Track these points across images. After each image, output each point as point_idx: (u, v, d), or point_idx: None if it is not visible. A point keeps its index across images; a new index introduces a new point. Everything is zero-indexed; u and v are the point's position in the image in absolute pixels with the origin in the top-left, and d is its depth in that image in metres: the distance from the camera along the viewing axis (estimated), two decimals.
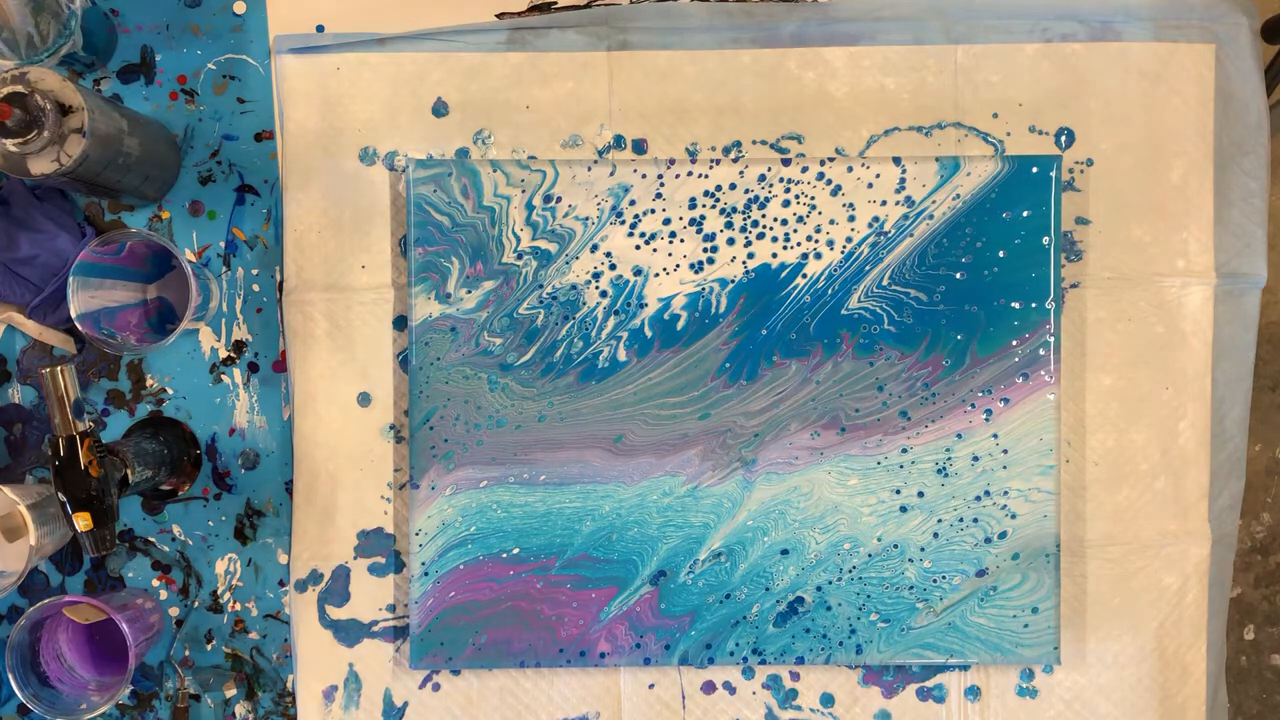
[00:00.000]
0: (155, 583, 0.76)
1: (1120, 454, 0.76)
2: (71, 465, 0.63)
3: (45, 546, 0.70)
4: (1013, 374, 0.74)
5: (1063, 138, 0.76)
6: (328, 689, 0.75)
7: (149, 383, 0.76)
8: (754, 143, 0.76)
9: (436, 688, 0.76)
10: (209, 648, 0.77)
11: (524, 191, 0.73)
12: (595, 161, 0.74)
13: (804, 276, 0.74)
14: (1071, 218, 0.76)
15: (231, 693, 0.77)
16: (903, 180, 0.74)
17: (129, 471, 0.67)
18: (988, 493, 0.74)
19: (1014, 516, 0.74)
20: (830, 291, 0.74)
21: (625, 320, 0.74)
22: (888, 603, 0.74)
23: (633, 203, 0.74)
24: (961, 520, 0.74)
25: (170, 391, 0.76)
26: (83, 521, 0.63)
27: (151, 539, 0.76)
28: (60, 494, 0.63)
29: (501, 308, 0.74)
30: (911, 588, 0.74)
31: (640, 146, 0.76)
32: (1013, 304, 0.74)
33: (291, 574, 0.75)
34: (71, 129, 0.64)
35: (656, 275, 0.74)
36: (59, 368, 0.63)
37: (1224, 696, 0.78)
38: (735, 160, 0.74)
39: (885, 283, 0.74)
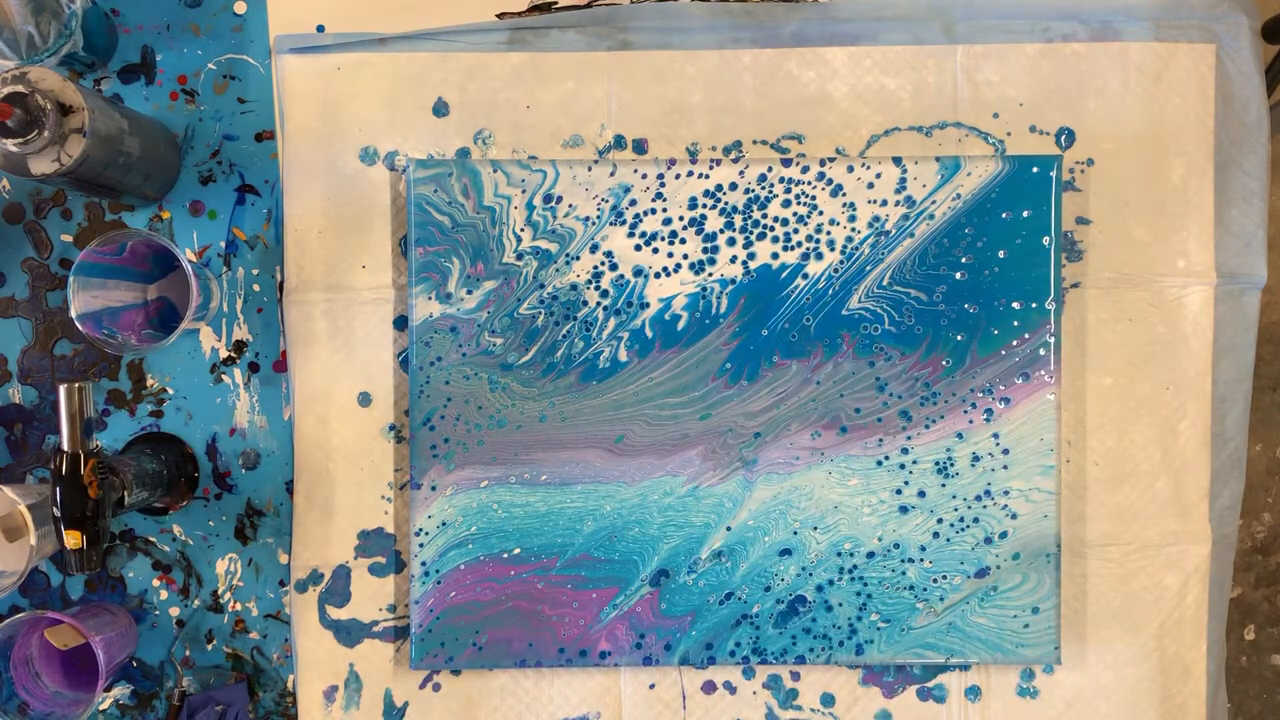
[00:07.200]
0: (155, 582, 0.76)
1: (1120, 454, 0.76)
2: (72, 482, 0.62)
3: (46, 546, 0.70)
4: (1013, 374, 0.74)
5: (1063, 138, 0.76)
6: (328, 689, 0.75)
7: (149, 383, 0.76)
8: (754, 143, 0.76)
9: (437, 688, 0.76)
10: (209, 648, 0.77)
11: (524, 191, 0.73)
12: (595, 161, 0.74)
13: (804, 277, 0.74)
14: (1072, 218, 0.76)
15: None
16: (903, 180, 0.74)
17: (125, 494, 0.66)
18: (988, 493, 0.74)
19: (1014, 516, 0.74)
20: (831, 292, 0.74)
21: (626, 320, 0.74)
22: (888, 603, 0.74)
23: (633, 203, 0.74)
24: (962, 520, 0.74)
25: (170, 391, 0.76)
26: (73, 539, 0.63)
27: (152, 539, 0.76)
28: (55, 508, 0.63)
29: (502, 308, 0.74)
30: (912, 588, 0.74)
31: (640, 146, 0.76)
32: (1013, 304, 0.74)
33: (292, 574, 0.75)
34: (72, 129, 0.64)
35: (657, 276, 0.74)
36: (78, 385, 0.62)
37: (1224, 696, 0.78)
38: (735, 160, 0.74)
39: (886, 283, 0.74)
